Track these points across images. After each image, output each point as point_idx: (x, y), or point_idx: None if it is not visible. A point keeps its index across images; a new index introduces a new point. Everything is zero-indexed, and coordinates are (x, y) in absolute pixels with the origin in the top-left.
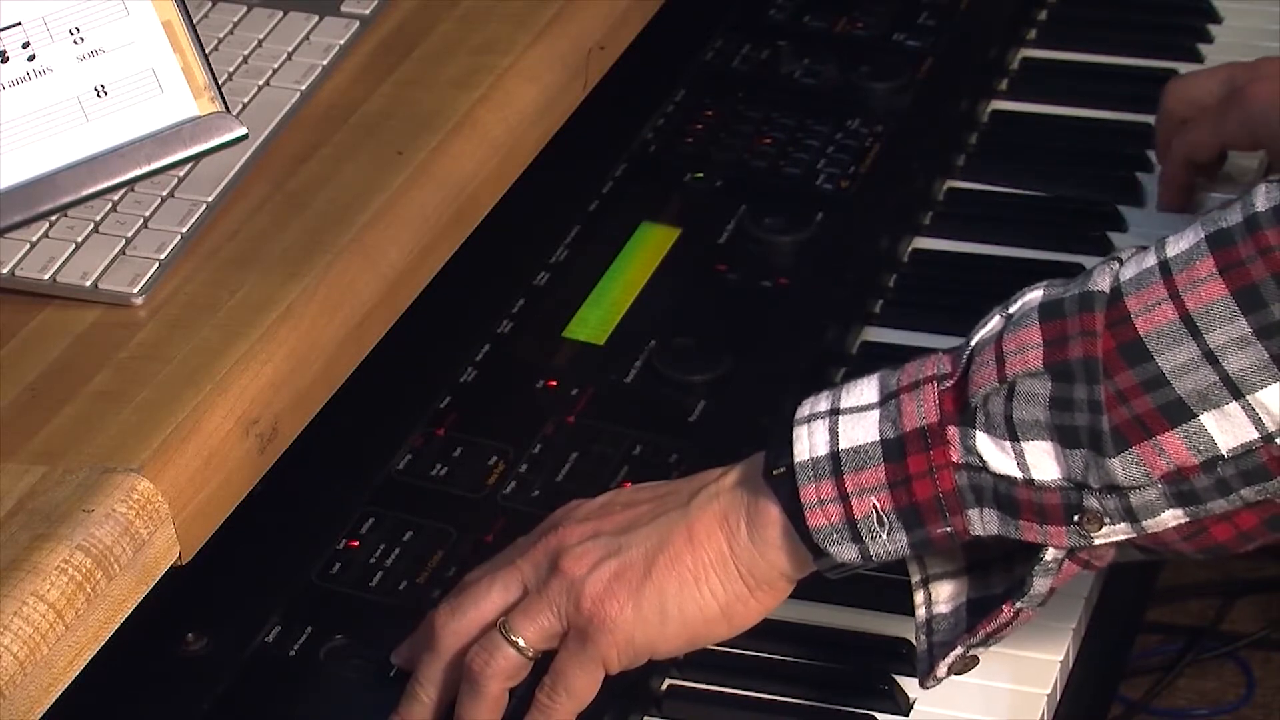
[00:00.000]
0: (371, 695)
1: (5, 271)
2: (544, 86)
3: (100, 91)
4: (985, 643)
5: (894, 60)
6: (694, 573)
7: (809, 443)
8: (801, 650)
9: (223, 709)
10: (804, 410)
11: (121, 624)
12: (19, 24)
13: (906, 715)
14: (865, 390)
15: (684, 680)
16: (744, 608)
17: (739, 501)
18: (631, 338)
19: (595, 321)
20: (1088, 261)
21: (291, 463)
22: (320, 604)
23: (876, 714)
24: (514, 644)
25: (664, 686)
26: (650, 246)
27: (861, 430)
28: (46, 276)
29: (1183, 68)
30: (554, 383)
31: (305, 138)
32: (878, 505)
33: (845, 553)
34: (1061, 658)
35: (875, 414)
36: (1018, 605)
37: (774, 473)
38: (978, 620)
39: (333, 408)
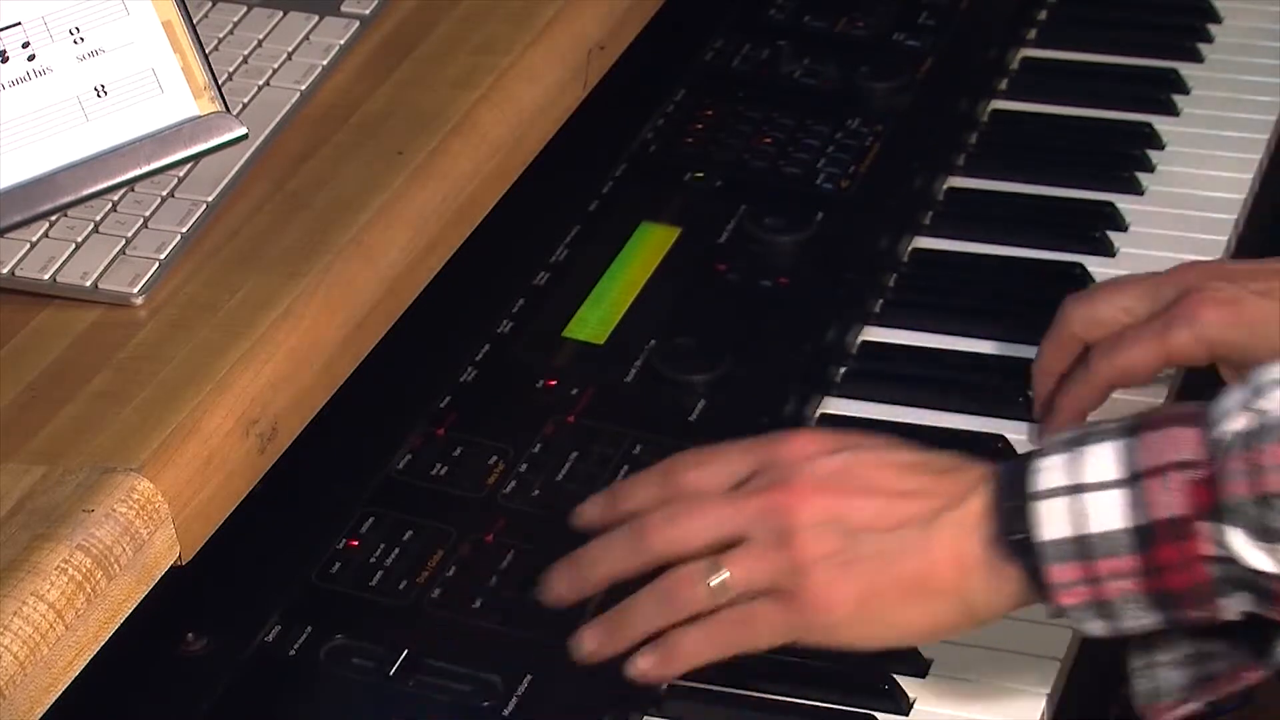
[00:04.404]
0: (371, 695)
1: (5, 271)
2: (544, 86)
3: (100, 91)
4: (1219, 706)
5: (894, 60)
6: (921, 593)
7: (1050, 521)
8: (802, 650)
9: (223, 709)
10: (1041, 480)
11: (121, 624)
12: (19, 24)
13: (906, 715)
14: (1105, 463)
15: (684, 680)
16: (943, 634)
17: (980, 547)
18: (631, 338)
19: (595, 321)
20: (1087, 261)
21: (291, 463)
22: (320, 604)
23: (876, 714)
24: (722, 589)
25: (664, 686)
26: (650, 246)
27: (1107, 515)
28: (46, 276)
29: (1183, 68)
30: (554, 383)
31: (305, 138)
32: (1128, 590)
33: (1094, 627)
34: (1061, 657)
35: (1119, 495)
36: (1263, 670)
37: (1011, 538)
38: (1210, 673)
39: (333, 408)
